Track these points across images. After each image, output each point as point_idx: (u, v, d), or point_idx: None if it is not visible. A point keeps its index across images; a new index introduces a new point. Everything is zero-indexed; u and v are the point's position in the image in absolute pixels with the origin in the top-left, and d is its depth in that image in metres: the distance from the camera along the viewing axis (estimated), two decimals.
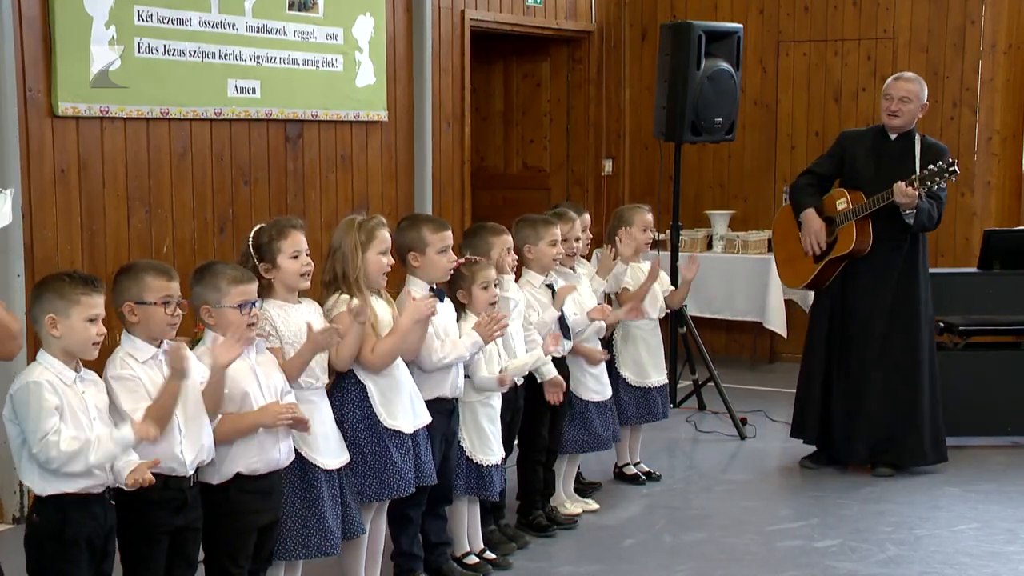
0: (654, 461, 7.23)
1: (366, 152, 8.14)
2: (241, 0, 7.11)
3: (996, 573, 5.63)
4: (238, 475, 4.33)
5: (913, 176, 6.68)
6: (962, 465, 7.19)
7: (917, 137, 6.95)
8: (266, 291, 4.58)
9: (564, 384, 5.90)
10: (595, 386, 6.33)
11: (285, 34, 7.40)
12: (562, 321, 6.04)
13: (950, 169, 6.61)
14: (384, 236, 4.97)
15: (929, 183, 6.64)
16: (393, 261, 5.03)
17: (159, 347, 4.13)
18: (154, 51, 6.66)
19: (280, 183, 7.51)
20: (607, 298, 6.74)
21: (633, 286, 6.73)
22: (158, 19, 6.65)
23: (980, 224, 9.48)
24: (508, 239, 5.72)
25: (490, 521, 5.83)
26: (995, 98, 9.66)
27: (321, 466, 4.64)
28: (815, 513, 6.46)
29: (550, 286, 6.10)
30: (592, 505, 6.50)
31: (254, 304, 4.40)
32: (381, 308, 4.98)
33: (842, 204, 6.96)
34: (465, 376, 5.37)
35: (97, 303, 3.90)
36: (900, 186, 6.62)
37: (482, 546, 5.67)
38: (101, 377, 4.03)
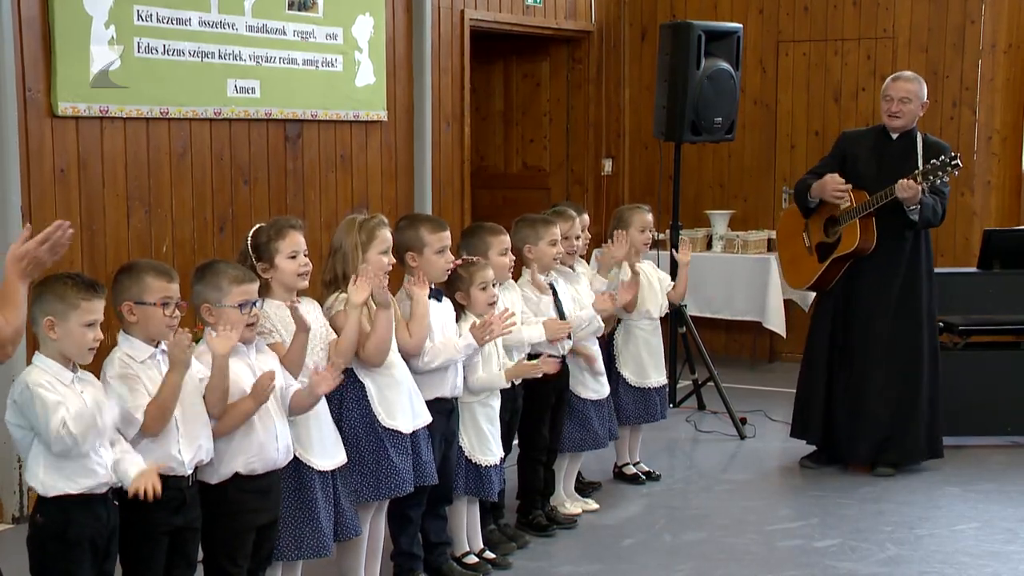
0: (654, 461, 7.23)
1: (366, 152, 8.15)
2: (241, 0, 7.11)
3: (996, 572, 5.63)
4: (236, 475, 4.33)
5: (916, 171, 6.68)
6: (962, 465, 7.19)
7: (919, 136, 6.95)
8: (264, 291, 4.58)
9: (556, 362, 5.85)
10: (594, 385, 6.33)
11: (285, 34, 7.41)
12: (561, 319, 6.04)
13: (953, 162, 6.60)
14: (385, 236, 4.97)
15: (932, 177, 6.63)
16: (394, 261, 5.03)
17: (157, 347, 4.13)
18: (154, 51, 6.66)
19: (280, 183, 7.51)
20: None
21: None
22: (158, 19, 6.65)
23: (980, 223, 9.48)
24: (506, 239, 5.72)
25: (490, 521, 5.83)
26: (995, 97, 9.66)
27: (315, 467, 4.64)
28: (815, 513, 6.46)
29: (551, 285, 6.10)
30: (592, 505, 6.50)
31: (255, 304, 4.40)
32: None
33: (845, 203, 6.96)
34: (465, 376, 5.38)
35: (96, 308, 3.89)
36: (903, 181, 6.62)
37: (482, 546, 5.67)
38: (98, 378, 4.02)
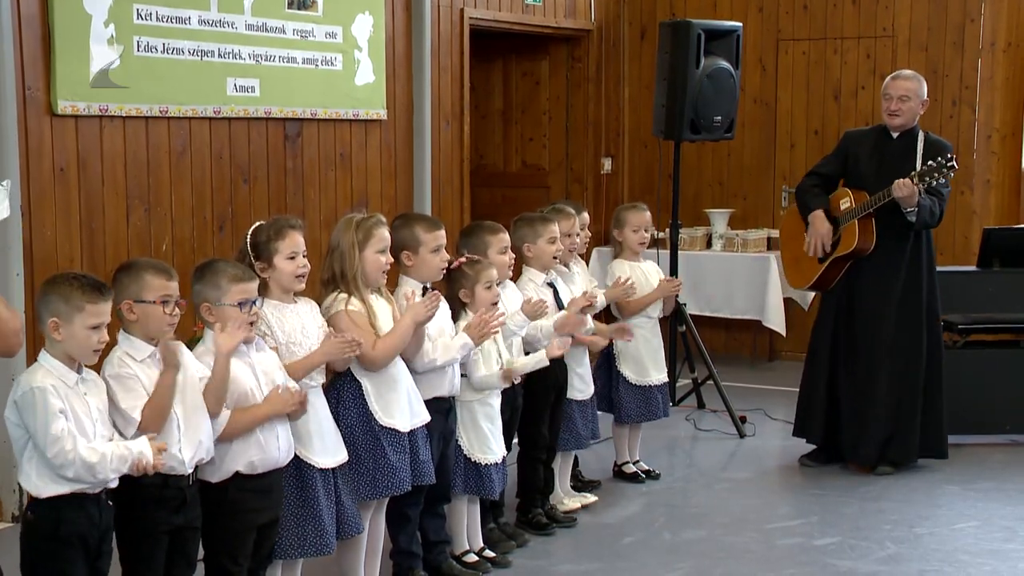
0: (653, 459, 7.23)
1: (365, 151, 8.15)
2: None
3: (995, 570, 5.64)
4: (237, 474, 4.33)
5: (912, 172, 6.68)
6: (961, 463, 7.19)
7: (920, 134, 6.95)
8: (262, 290, 4.58)
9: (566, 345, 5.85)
10: (580, 385, 6.33)
11: (284, 32, 7.41)
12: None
13: (948, 164, 6.61)
14: (383, 235, 4.97)
15: (928, 179, 6.64)
16: (392, 260, 5.04)
17: (157, 346, 4.13)
18: (153, 50, 6.66)
19: (279, 182, 7.52)
20: (607, 308, 6.75)
21: (637, 289, 6.70)
22: (157, 17, 6.66)
23: (979, 222, 9.49)
24: (505, 238, 5.72)
25: (489, 519, 5.84)
26: (994, 96, 9.66)
27: (316, 465, 4.64)
28: (815, 511, 6.46)
29: (551, 284, 6.11)
30: (590, 498, 6.50)
31: (254, 303, 4.40)
32: (381, 307, 4.98)
33: (845, 203, 6.96)
34: (462, 375, 5.38)
35: (102, 311, 3.89)
36: (899, 181, 6.62)
37: (481, 544, 5.67)
38: (101, 376, 4.03)
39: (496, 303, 5.42)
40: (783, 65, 10.35)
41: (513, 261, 5.82)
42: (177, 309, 4.13)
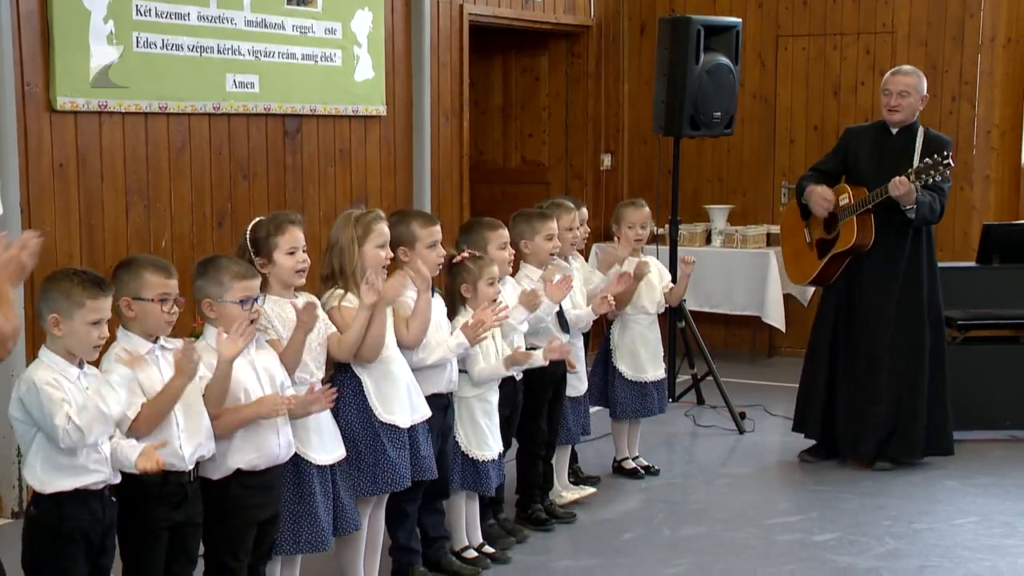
0: (653, 455, 7.23)
1: (365, 146, 8.15)
2: None
3: (994, 566, 5.64)
4: (238, 470, 4.33)
5: (909, 170, 6.68)
6: (961, 459, 7.19)
7: (920, 130, 6.94)
8: (261, 286, 4.57)
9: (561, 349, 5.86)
10: (574, 382, 6.33)
11: (284, 28, 7.40)
12: (560, 315, 6.05)
13: (944, 162, 6.60)
14: (382, 230, 4.98)
15: (924, 176, 6.63)
16: (391, 255, 5.04)
17: (155, 343, 4.13)
18: (152, 46, 6.66)
19: (279, 178, 7.52)
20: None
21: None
22: (156, 13, 6.65)
23: (979, 218, 9.49)
24: (504, 234, 5.72)
25: (489, 515, 5.84)
26: (994, 92, 9.66)
27: (313, 462, 4.64)
28: (814, 507, 6.47)
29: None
30: (589, 490, 6.50)
31: (256, 300, 4.40)
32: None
33: (844, 199, 6.96)
34: (461, 371, 5.38)
35: (102, 307, 3.89)
36: (895, 180, 6.62)
37: (481, 540, 5.68)
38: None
39: (495, 300, 5.43)
40: (783, 61, 10.35)
41: (512, 257, 5.82)
42: (176, 307, 4.13)
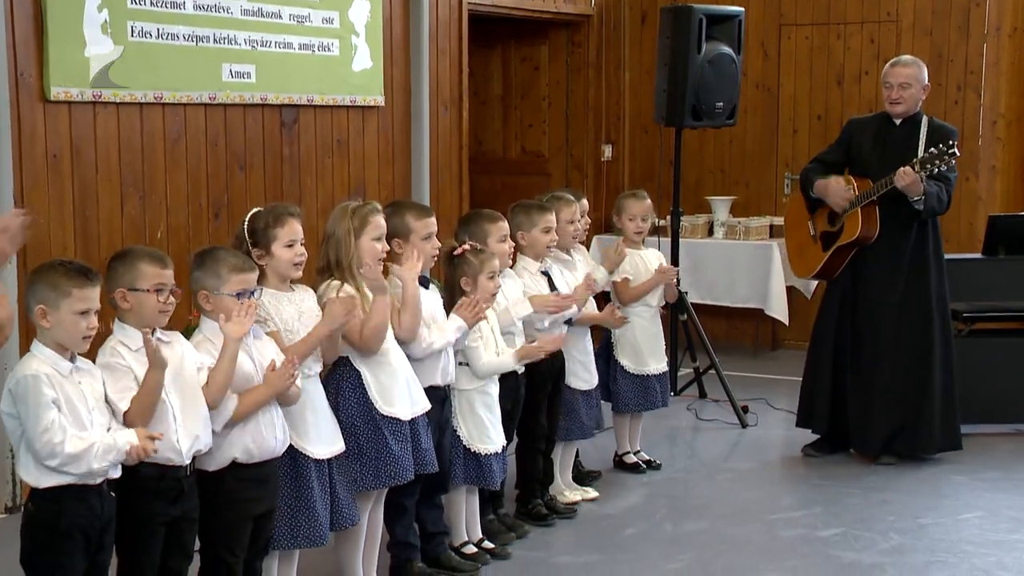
0: (654, 449, 7.23)
1: (362, 137, 8.13)
2: None
3: (1000, 561, 5.64)
4: (234, 462, 4.34)
5: (914, 160, 6.67)
6: (967, 453, 7.17)
7: (924, 120, 6.93)
8: (259, 278, 4.57)
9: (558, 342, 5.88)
10: (584, 375, 6.34)
11: (280, 17, 7.39)
12: None
13: (949, 151, 6.59)
14: (378, 222, 4.97)
15: (929, 166, 6.62)
16: (388, 247, 5.03)
17: (152, 335, 4.12)
18: (148, 35, 6.64)
19: (275, 169, 7.51)
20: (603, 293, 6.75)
21: (632, 275, 6.72)
22: (151, 2, 6.64)
23: (985, 209, 9.49)
24: (505, 226, 5.73)
25: (489, 510, 5.84)
26: (1000, 81, 9.65)
27: (311, 456, 4.64)
28: (818, 502, 6.47)
29: (546, 273, 6.10)
30: (591, 493, 6.51)
31: (252, 293, 4.40)
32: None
33: (848, 191, 6.94)
34: (462, 364, 5.38)
35: (89, 296, 3.88)
36: (901, 171, 6.61)
37: (481, 536, 5.68)
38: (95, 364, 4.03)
39: (494, 295, 5.43)
40: (786, 50, 10.34)
41: (512, 249, 5.82)
42: (172, 298, 4.13)
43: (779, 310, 9.76)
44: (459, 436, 5.41)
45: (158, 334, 4.13)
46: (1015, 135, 9.79)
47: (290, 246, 4.65)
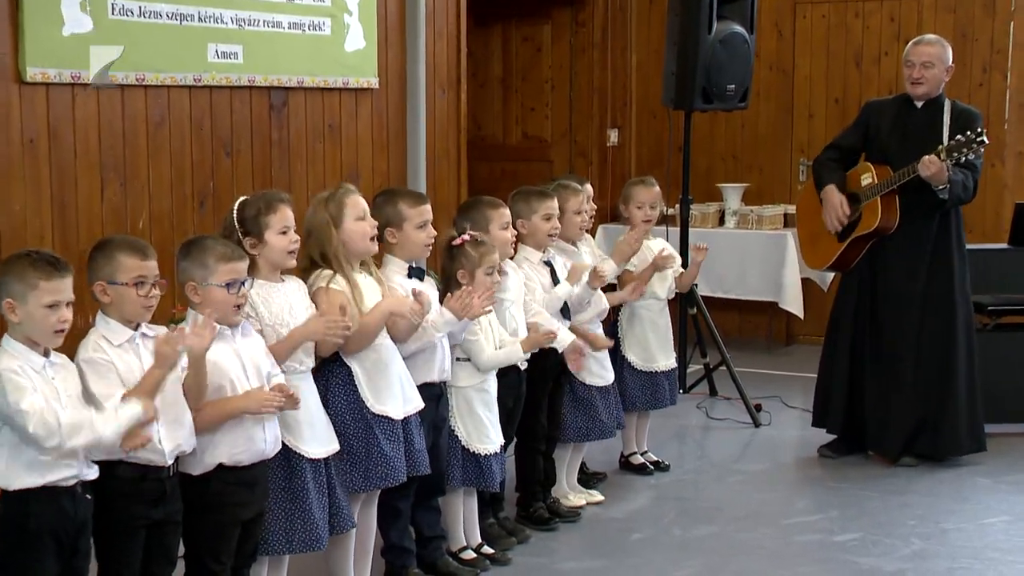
0: (662, 450, 7.23)
1: (355, 121, 8.12)
2: None
3: None
4: (221, 466, 4.33)
5: (940, 147, 6.65)
6: (992, 454, 7.17)
7: (947, 103, 6.92)
8: (249, 269, 4.56)
9: (582, 349, 5.86)
10: (598, 370, 6.33)
11: None
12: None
13: (978, 139, 6.57)
14: (355, 201, 4.96)
15: (957, 154, 6.61)
16: (375, 224, 5.02)
17: (135, 330, 4.12)
18: (129, 13, 6.62)
19: (264, 154, 7.49)
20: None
21: (638, 266, 6.71)
22: None
23: (1012, 197, 9.48)
24: (506, 213, 5.72)
25: (488, 514, 5.84)
26: None
27: (306, 455, 4.63)
28: (834, 505, 6.47)
29: (548, 263, 6.08)
30: (596, 497, 6.51)
31: (243, 283, 4.39)
32: (368, 285, 4.95)
33: (867, 179, 6.93)
34: (459, 360, 5.37)
35: (58, 288, 3.86)
36: (926, 159, 6.60)
37: (479, 540, 5.68)
38: (72, 361, 4.01)
39: (492, 291, 5.41)
40: (801, 30, 10.33)
41: (515, 237, 5.81)
42: (156, 290, 4.12)
43: (794, 303, 9.76)
44: (457, 436, 5.41)
45: (142, 328, 4.12)
46: None
47: (284, 233, 4.66)
